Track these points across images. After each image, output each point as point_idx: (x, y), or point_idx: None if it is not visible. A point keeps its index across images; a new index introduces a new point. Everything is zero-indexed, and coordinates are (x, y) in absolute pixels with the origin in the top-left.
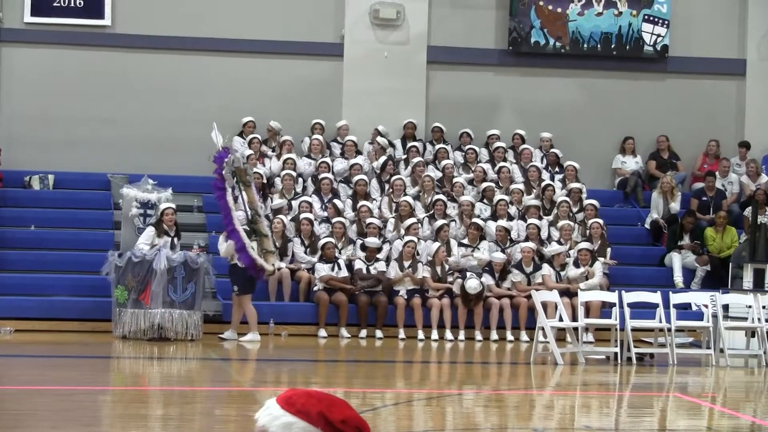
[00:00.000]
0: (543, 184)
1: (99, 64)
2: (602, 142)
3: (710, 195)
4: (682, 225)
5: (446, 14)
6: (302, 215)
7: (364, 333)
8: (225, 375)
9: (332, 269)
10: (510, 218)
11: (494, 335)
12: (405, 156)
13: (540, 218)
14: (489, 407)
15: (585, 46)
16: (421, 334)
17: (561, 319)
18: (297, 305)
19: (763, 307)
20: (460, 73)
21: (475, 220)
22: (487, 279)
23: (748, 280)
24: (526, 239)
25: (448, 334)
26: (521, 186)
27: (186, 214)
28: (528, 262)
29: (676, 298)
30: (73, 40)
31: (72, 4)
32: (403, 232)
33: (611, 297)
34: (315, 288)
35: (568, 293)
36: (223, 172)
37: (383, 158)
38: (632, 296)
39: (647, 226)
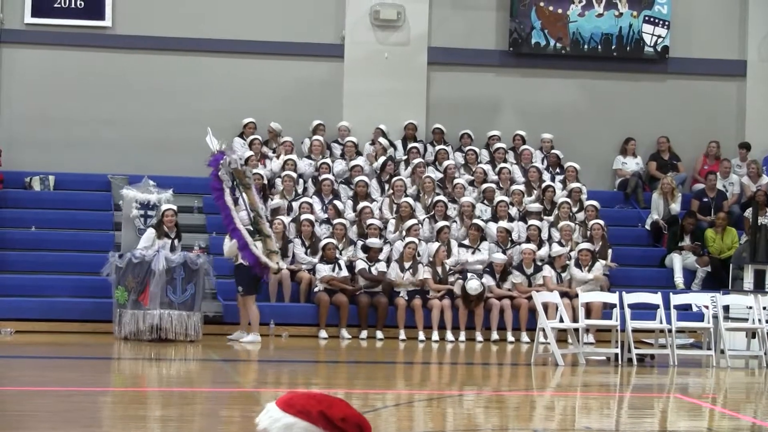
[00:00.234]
0: (543, 185)
1: (99, 65)
2: (603, 143)
3: (711, 196)
4: (682, 226)
5: (447, 15)
6: (303, 216)
7: (364, 334)
8: (226, 376)
9: (333, 270)
10: (510, 219)
11: (495, 336)
12: (405, 157)
13: (540, 219)
14: (490, 408)
15: (585, 47)
16: (421, 335)
17: (561, 320)
18: (297, 306)
19: (764, 308)
20: (461, 74)
21: (475, 221)
22: (488, 280)
23: (748, 281)
24: (527, 240)
25: (449, 335)
26: (522, 187)
27: (186, 215)
28: (529, 263)
29: (676, 299)
30: (73, 41)
31: (72, 5)
32: (404, 233)
33: (612, 298)
34: (315, 289)
35: (569, 294)
36: (219, 173)
37: (383, 158)
38: (633, 297)
39: (647, 227)
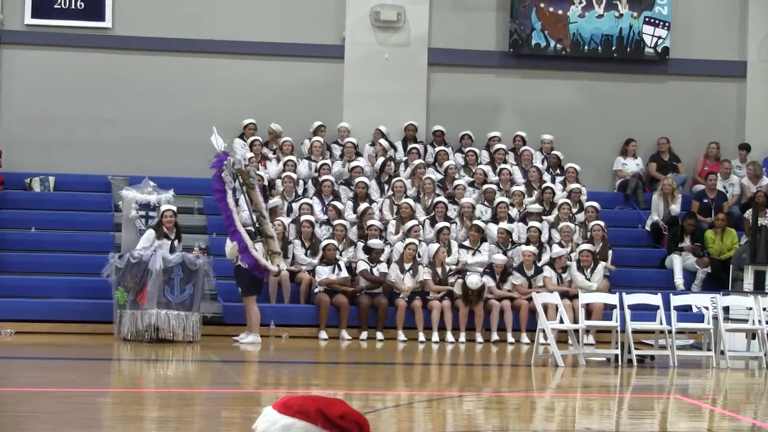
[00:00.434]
0: (543, 186)
1: (99, 66)
2: (603, 144)
3: (711, 197)
4: (682, 227)
5: (447, 16)
6: (303, 217)
7: (364, 335)
8: (225, 377)
9: (332, 271)
10: (511, 220)
11: (495, 337)
12: (406, 158)
13: (540, 220)
14: (490, 409)
15: (586, 48)
16: (421, 336)
17: (562, 321)
18: (297, 307)
19: (764, 309)
20: (461, 75)
21: (475, 222)
22: (488, 281)
23: (748, 282)
24: (527, 242)
25: (449, 336)
26: (522, 188)
27: (186, 216)
28: (529, 265)
29: (676, 300)
30: (73, 42)
31: (72, 6)
32: (404, 234)
33: (612, 299)
34: (316, 290)
35: (569, 295)
36: (222, 175)
37: (382, 159)
38: (633, 298)
39: (648, 228)
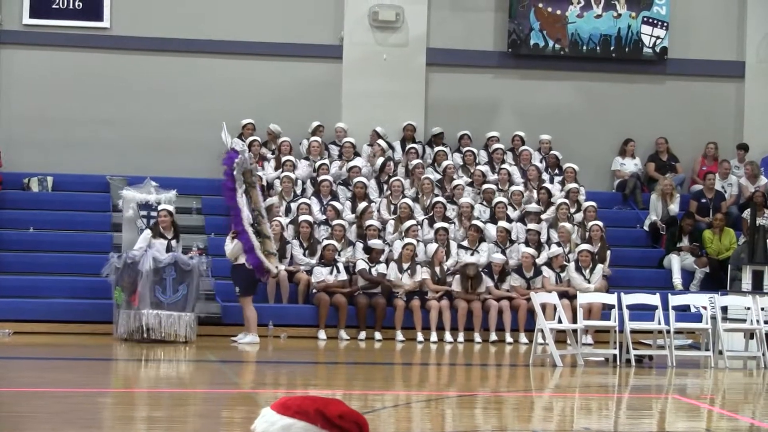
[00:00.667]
0: (540, 186)
1: (98, 66)
2: (601, 144)
3: (709, 197)
4: (680, 227)
5: (445, 16)
6: (301, 218)
7: (363, 335)
8: (224, 377)
9: (331, 272)
10: (509, 220)
11: (493, 337)
12: (403, 158)
13: (539, 220)
14: (488, 409)
15: (584, 48)
16: (420, 336)
17: (560, 321)
18: (296, 307)
19: (762, 309)
20: (460, 75)
21: (474, 222)
22: (487, 281)
23: (746, 282)
24: (526, 243)
25: (448, 336)
26: (521, 187)
27: (185, 216)
28: (528, 267)
29: (674, 300)
30: (71, 42)
31: (71, 6)
32: (402, 234)
33: (610, 299)
34: (314, 290)
35: (567, 295)
36: (234, 173)
37: (381, 159)
38: (631, 298)
39: (646, 228)
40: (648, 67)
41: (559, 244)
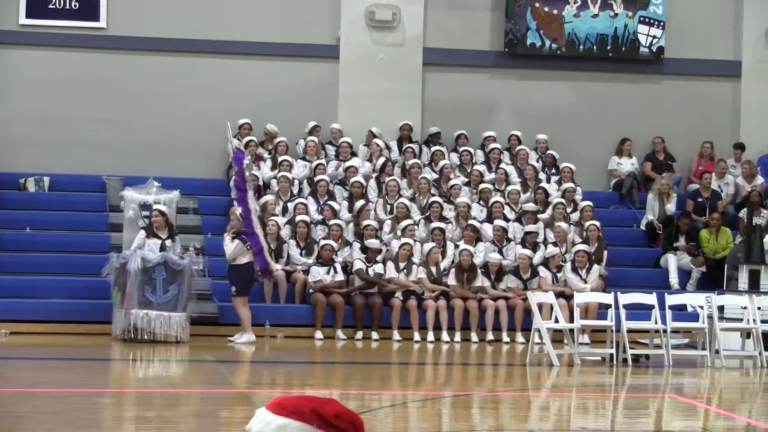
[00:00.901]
0: (537, 186)
1: (94, 66)
2: (598, 143)
3: (705, 196)
4: (677, 226)
5: (442, 16)
6: (298, 218)
7: (360, 335)
8: (221, 377)
9: (328, 272)
10: (506, 220)
11: (490, 337)
12: (399, 158)
13: (536, 220)
14: (485, 409)
15: (581, 47)
16: (417, 336)
17: (557, 321)
18: (293, 307)
19: (759, 309)
20: (456, 75)
21: (471, 221)
22: (484, 281)
23: (743, 282)
24: (524, 244)
25: (444, 336)
26: (518, 187)
27: (182, 216)
28: (525, 268)
29: (671, 300)
30: (68, 42)
31: (67, 6)
32: (399, 234)
33: (607, 298)
34: (311, 290)
35: (564, 295)
36: (246, 174)
37: (382, 159)
38: (628, 297)
39: (643, 227)
40: (645, 66)
41: (555, 244)
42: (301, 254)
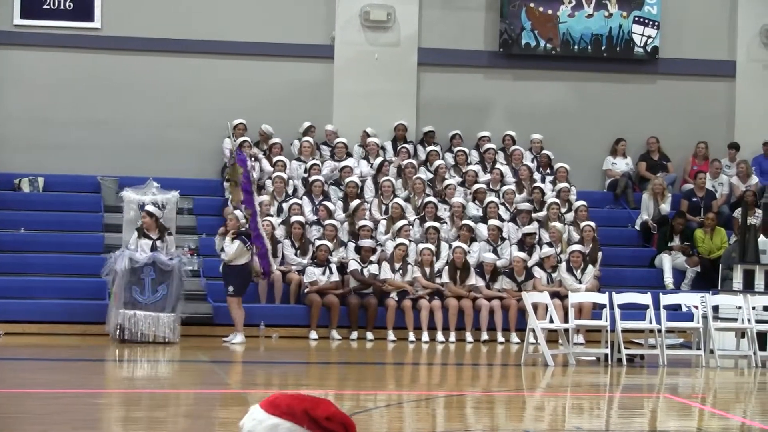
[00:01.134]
0: (532, 186)
1: (89, 67)
2: (592, 143)
3: (700, 196)
4: (672, 226)
5: (437, 16)
6: (293, 218)
7: (354, 335)
8: (216, 377)
9: (323, 273)
10: (501, 220)
11: (485, 337)
12: (394, 158)
13: (530, 219)
14: (480, 409)
15: (575, 47)
16: (411, 336)
17: (551, 321)
18: (287, 307)
19: (753, 308)
20: (451, 75)
21: (465, 221)
22: (478, 281)
23: (737, 281)
24: (522, 246)
25: (439, 336)
26: (513, 187)
27: (176, 216)
28: (520, 271)
29: (666, 300)
30: (62, 42)
31: (61, 7)
32: (394, 234)
33: (602, 298)
34: (306, 290)
35: (559, 295)
36: (250, 176)
37: (380, 159)
38: (622, 297)
39: (637, 227)
40: (639, 66)
41: (550, 245)
42: (296, 254)
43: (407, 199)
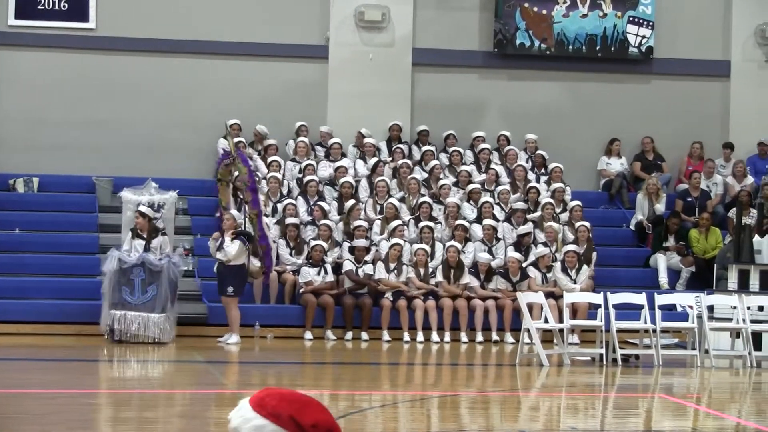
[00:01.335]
0: (528, 186)
1: (83, 67)
2: (587, 143)
3: (695, 196)
4: (666, 226)
5: (431, 16)
6: (288, 220)
7: (349, 335)
8: (210, 378)
9: (318, 273)
10: (496, 220)
11: (479, 337)
12: (390, 158)
13: (525, 220)
14: (475, 409)
15: (570, 47)
16: (406, 336)
17: (546, 321)
18: (283, 307)
19: (748, 308)
20: (446, 75)
21: (460, 221)
22: (473, 281)
23: (732, 281)
24: (518, 247)
25: (434, 336)
26: (508, 187)
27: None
28: (515, 271)
29: (661, 300)
30: (57, 43)
31: (56, 7)
32: (388, 234)
33: (596, 298)
34: (301, 290)
35: (554, 295)
36: (257, 175)
37: (374, 160)
38: (617, 297)
39: (632, 227)
40: (634, 66)
41: (545, 244)
42: (290, 254)
43: (402, 200)
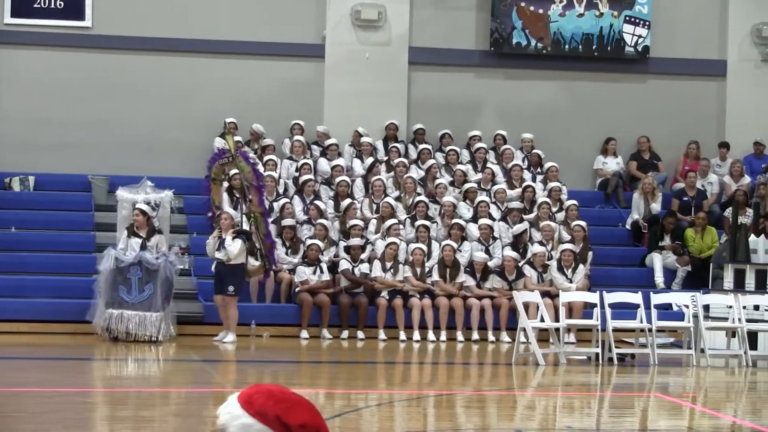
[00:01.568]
0: (524, 185)
1: (79, 66)
2: (583, 142)
3: (691, 195)
4: (662, 225)
5: (428, 15)
6: (284, 221)
7: (345, 334)
8: (207, 376)
9: (314, 272)
10: (492, 219)
11: (475, 336)
12: (387, 158)
13: (521, 218)
14: (471, 408)
15: (566, 47)
16: (402, 335)
17: (542, 320)
18: (278, 306)
19: (744, 308)
20: (442, 74)
21: (456, 220)
22: (469, 280)
23: (728, 281)
24: (515, 246)
25: (430, 335)
26: (504, 185)
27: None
28: (511, 270)
29: (656, 299)
30: (53, 41)
31: (52, 6)
32: (384, 233)
33: (592, 298)
34: (297, 289)
35: (550, 294)
36: (260, 177)
37: (371, 159)
38: (613, 297)
39: (628, 226)
40: (630, 66)
41: (541, 243)
42: (286, 253)
43: (398, 198)
